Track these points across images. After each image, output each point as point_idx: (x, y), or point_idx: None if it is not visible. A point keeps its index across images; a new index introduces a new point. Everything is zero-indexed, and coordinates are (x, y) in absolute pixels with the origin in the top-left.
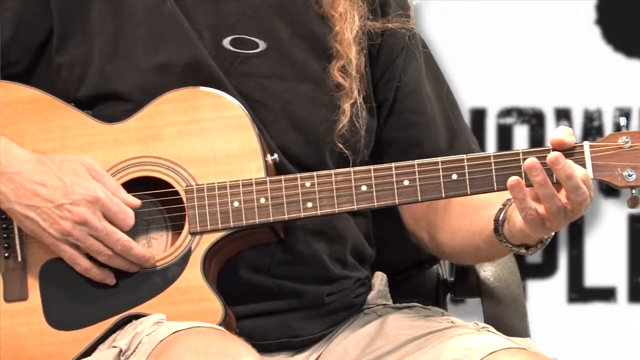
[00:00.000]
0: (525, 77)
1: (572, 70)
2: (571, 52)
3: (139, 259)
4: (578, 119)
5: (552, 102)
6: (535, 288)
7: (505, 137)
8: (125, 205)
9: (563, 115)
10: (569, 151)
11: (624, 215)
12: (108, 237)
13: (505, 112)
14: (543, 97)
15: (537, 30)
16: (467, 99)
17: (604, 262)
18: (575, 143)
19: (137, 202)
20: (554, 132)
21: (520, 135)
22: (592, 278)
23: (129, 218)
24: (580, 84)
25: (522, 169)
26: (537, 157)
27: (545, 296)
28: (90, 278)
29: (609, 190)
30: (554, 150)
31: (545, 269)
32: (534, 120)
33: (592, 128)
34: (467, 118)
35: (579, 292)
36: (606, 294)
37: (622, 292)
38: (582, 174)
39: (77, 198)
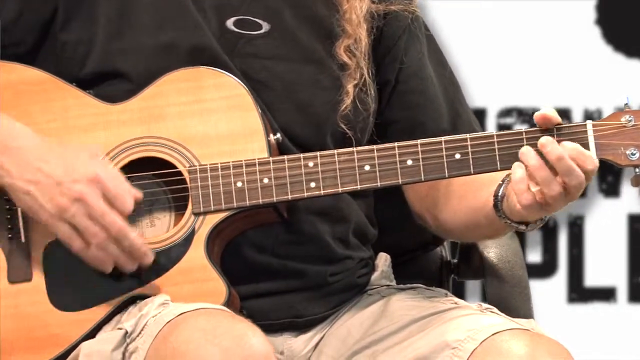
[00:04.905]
0: (525, 77)
1: (572, 70)
2: (571, 52)
3: (135, 248)
4: (578, 119)
5: (552, 102)
6: (535, 288)
7: None
8: (126, 189)
9: (563, 115)
10: (572, 131)
11: (624, 215)
12: (104, 217)
13: (505, 112)
14: (543, 97)
15: (537, 30)
16: (467, 99)
17: (604, 262)
18: (576, 123)
19: (139, 193)
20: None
21: None
22: (592, 278)
23: (129, 203)
24: (580, 84)
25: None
26: (540, 137)
27: (545, 296)
28: (86, 261)
29: (609, 190)
30: (540, 126)
31: (545, 269)
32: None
33: None
34: None
35: (579, 292)
36: (606, 294)
37: (622, 292)
38: (571, 149)
39: (77, 177)
